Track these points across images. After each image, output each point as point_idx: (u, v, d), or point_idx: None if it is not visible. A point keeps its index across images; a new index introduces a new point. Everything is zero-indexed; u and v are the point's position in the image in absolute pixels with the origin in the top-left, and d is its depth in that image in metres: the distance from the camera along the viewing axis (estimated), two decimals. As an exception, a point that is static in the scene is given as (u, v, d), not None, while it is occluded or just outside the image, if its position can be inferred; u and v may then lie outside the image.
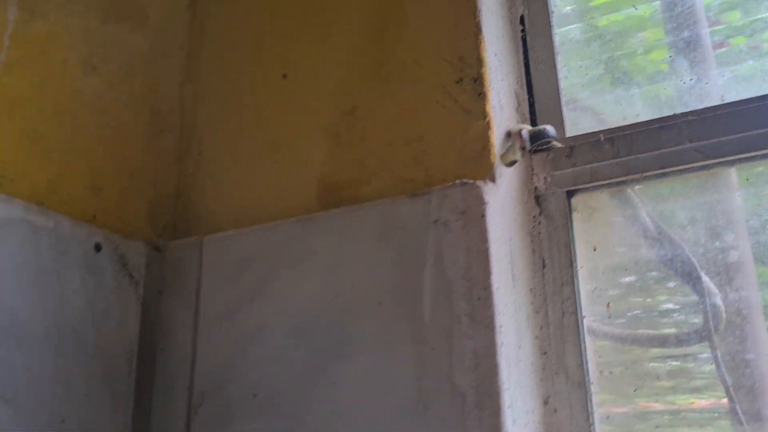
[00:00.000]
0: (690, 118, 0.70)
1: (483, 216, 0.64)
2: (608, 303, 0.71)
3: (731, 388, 0.65)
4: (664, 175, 0.71)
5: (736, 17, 0.76)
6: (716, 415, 0.66)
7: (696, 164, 0.69)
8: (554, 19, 0.83)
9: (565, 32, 0.83)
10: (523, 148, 0.64)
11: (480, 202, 0.65)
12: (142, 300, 0.78)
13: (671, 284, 0.70)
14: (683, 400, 0.67)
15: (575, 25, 0.83)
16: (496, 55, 0.75)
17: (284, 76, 0.84)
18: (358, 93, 0.78)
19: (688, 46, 0.77)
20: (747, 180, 0.70)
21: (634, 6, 0.80)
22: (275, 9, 0.88)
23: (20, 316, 0.65)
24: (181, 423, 0.73)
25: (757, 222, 0.68)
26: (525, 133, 0.63)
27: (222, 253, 0.77)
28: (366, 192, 0.74)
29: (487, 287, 0.62)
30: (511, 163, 0.69)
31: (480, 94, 0.71)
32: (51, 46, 0.76)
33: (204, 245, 0.79)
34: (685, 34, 0.77)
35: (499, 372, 0.59)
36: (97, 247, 0.74)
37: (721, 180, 0.71)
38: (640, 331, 0.70)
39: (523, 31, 0.83)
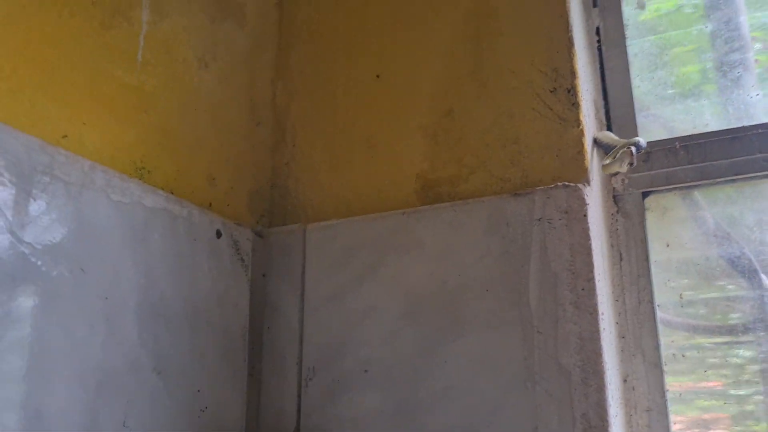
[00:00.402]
0: (760, 130, 0.79)
1: (585, 215, 0.72)
2: (681, 294, 0.80)
3: (791, 370, 0.74)
4: (734, 181, 0.80)
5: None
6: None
7: (765, 172, 0.78)
8: (628, 31, 0.91)
9: (638, 44, 0.90)
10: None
11: (582, 203, 0.73)
12: (250, 282, 0.86)
13: (735, 279, 0.79)
14: (745, 379, 0.76)
15: (647, 38, 0.91)
16: (583, 66, 0.83)
17: (378, 76, 0.91)
18: (454, 96, 0.85)
19: (754, 63, 0.85)
20: (806, 187, 0.79)
21: (705, 25, 0.88)
22: (366, 10, 0.94)
23: (166, 296, 0.72)
24: (293, 394, 0.81)
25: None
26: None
27: (327, 240, 0.85)
28: (465, 189, 0.81)
29: (590, 279, 0.70)
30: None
31: (574, 103, 0.79)
32: (174, 44, 0.82)
33: (307, 232, 0.86)
34: (750, 53, 0.85)
35: (602, 353, 0.68)
36: (218, 234, 0.81)
37: (783, 186, 0.80)
38: (708, 321, 0.79)
39: (599, 41, 0.91)
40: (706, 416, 0.77)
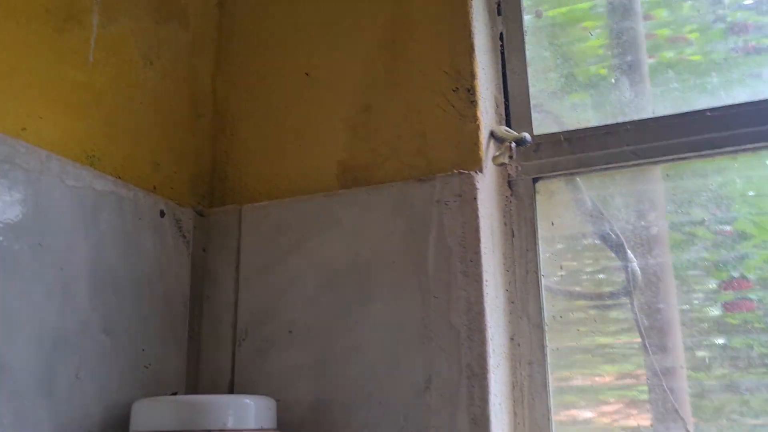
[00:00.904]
0: (628, 126, 0.93)
1: (475, 198, 0.85)
2: (561, 265, 0.94)
3: (644, 329, 0.89)
4: (607, 169, 0.94)
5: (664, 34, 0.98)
6: (634, 348, 0.90)
7: (630, 162, 0.92)
8: (527, 37, 1.03)
9: (535, 48, 1.03)
10: (510, 156, 0.85)
11: (473, 188, 0.86)
12: (191, 257, 0.97)
13: (606, 253, 0.93)
14: (612, 338, 0.91)
15: (543, 44, 1.03)
16: (483, 69, 0.95)
17: (307, 74, 1.02)
18: (371, 94, 0.97)
19: (630, 68, 0.99)
20: (667, 175, 0.93)
21: (590, 32, 1.02)
22: (298, 14, 1.05)
23: (115, 268, 0.83)
24: (228, 353, 0.93)
25: (671, 206, 0.91)
26: (513, 146, 0.84)
27: (260, 219, 0.96)
28: (379, 175, 0.94)
29: (477, 252, 0.84)
30: (501, 164, 0.90)
31: (472, 101, 0.91)
32: (122, 45, 0.92)
33: (243, 212, 0.98)
34: (628, 58, 0.99)
35: (485, 314, 0.82)
36: (161, 213, 0.92)
37: (648, 175, 0.94)
38: (583, 288, 0.93)
39: (501, 46, 1.04)
40: (581, 370, 0.91)
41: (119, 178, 0.87)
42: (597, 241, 0.94)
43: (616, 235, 0.92)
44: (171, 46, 1.01)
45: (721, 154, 0.89)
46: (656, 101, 0.96)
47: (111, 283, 0.82)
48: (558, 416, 0.89)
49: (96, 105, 0.87)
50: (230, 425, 0.74)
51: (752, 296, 0.86)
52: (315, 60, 1.02)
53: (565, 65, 1.02)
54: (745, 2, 0.95)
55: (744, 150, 0.88)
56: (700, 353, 0.86)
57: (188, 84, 1.03)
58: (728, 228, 0.88)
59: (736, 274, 0.87)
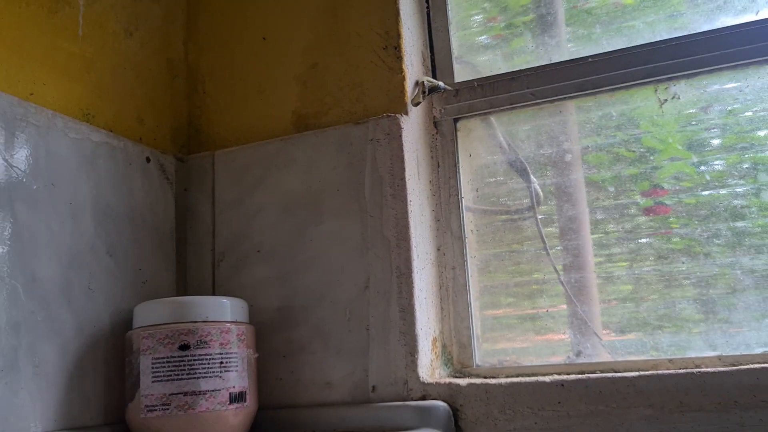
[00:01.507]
0: (528, 73, 1.13)
1: (400, 136, 1.06)
2: (477, 189, 1.15)
3: (545, 237, 1.11)
4: (512, 109, 1.14)
5: None
6: (538, 252, 1.12)
7: (530, 102, 1.12)
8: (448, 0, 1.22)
9: (456, 8, 1.22)
10: (423, 93, 1.05)
11: (399, 128, 1.06)
12: (174, 195, 1.17)
13: (512, 176, 1.14)
14: (518, 246, 1.13)
15: (464, 5, 1.23)
16: (409, 29, 1.15)
17: (264, 38, 1.21)
18: (318, 53, 1.17)
19: (533, 22, 1.18)
20: (579, 108, 1.13)
21: (499, -6, 1.21)
22: (253, -13, 1.24)
23: (112, 203, 1.03)
24: (209, 271, 1.14)
25: (582, 134, 1.12)
26: (426, 84, 1.04)
27: (229, 161, 1.17)
28: (325, 120, 1.14)
29: (402, 178, 1.04)
30: (417, 104, 1.10)
31: (398, 57, 1.11)
32: (105, 20, 1.10)
33: (216, 157, 1.18)
34: (531, 15, 1.18)
35: (409, 228, 1.03)
36: (147, 160, 1.12)
37: (548, 110, 1.14)
38: (495, 207, 1.15)
39: (428, 7, 1.22)
40: (492, 273, 1.13)
41: (111, 131, 1.07)
42: (505, 168, 1.15)
43: (521, 161, 1.13)
44: (147, 19, 1.19)
45: (601, 92, 1.09)
46: (552, 51, 1.15)
47: (110, 215, 1.03)
48: (480, 311, 1.12)
49: (87, 71, 1.06)
50: (211, 318, 0.96)
51: (668, 202, 1.06)
52: (269, 26, 1.21)
53: (482, 22, 1.21)
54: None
55: (619, 88, 1.09)
56: (614, 253, 1.08)
57: (164, 50, 1.22)
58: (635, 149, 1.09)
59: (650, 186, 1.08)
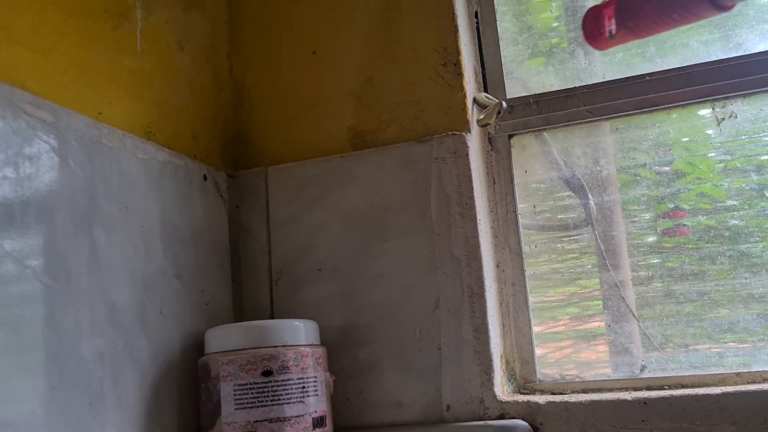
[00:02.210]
0: (584, 90, 1.14)
1: (467, 154, 1.06)
2: (534, 205, 1.16)
3: (603, 252, 1.12)
4: (567, 125, 1.15)
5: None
6: (596, 268, 1.13)
7: (586, 119, 1.14)
8: (498, 15, 1.23)
9: (505, 25, 1.23)
10: (498, 113, 1.06)
11: (465, 146, 1.06)
12: (228, 212, 1.15)
13: (569, 193, 1.16)
14: (577, 261, 1.14)
15: (512, 21, 1.23)
16: (465, 45, 1.15)
17: (314, 52, 1.20)
18: (372, 69, 1.16)
19: (582, 40, 1.19)
20: (616, 129, 1.15)
21: (550, 10, 1.22)
22: (298, 1, 1.22)
23: (177, 224, 1.01)
24: (266, 291, 1.13)
25: (619, 153, 1.14)
26: (503, 107, 1.05)
27: (284, 178, 1.15)
28: (383, 138, 1.13)
29: (471, 198, 1.05)
30: (486, 125, 1.10)
31: (458, 74, 1.11)
32: (159, 34, 1.07)
33: (269, 173, 1.16)
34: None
35: (480, 246, 1.03)
36: (204, 177, 1.10)
37: (600, 129, 1.16)
38: (551, 222, 1.16)
39: (477, 23, 1.23)
40: (552, 289, 1.14)
41: (171, 149, 1.04)
42: (561, 185, 1.16)
43: (577, 179, 1.15)
44: (195, 32, 1.16)
45: (659, 110, 1.11)
46: (605, 67, 1.17)
47: (176, 236, 1.00)
48: (537, 326, 1.13)
49: (147, 88, 1.03)
50: (288, 342, 0.94)
51: (687, 223, 1.09)
52: (319, 40, 1.20)
53: (531, 39, 1.22)
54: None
55: (676, 106, 1.11)
56: (643, 271, 1.10)
57: (210, 64, 1.19)
58: (667, 168, 1.11)
59: (672, 206, 1.10)
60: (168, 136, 1.05)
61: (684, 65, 1.10)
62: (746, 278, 1.04)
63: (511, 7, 1.24)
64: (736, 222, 1.06)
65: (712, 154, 1.09)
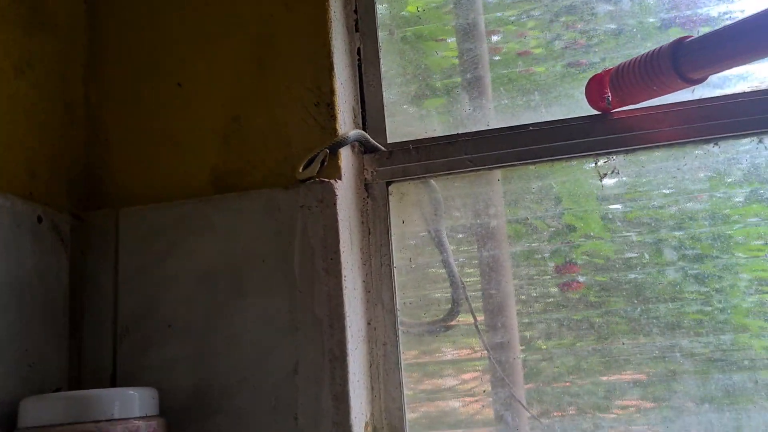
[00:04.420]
0: (466, 138, 1.08)
1: (335, 204, 0.97)
2: (410, 258, 1.08)
3: (474, 312, 1.05)
4: (448, 174, 1.09)
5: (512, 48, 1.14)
6: (470, 329, 1.06)
7: (468, 169, 1.07)
8: (381, 53, 1.15)
9: (388, 63, 1.16)
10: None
11: (333, 195, 0.97)
12: (69, 259, 1.02)
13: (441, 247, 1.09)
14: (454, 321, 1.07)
15: (395, 59, 1.16)
16: (342, 84, 1.07)
17: (179, 84, 1.09)
18: (241, 105, 1.06)
19: (470, 85, 1.14)
20: (505, 177, 1.09)
21: (436, 51, 1.16)
22: (170, 26, 1.11)
23: (-5, 275, 0.88)
24: (109, 349, 1.00)
25: (510, 201, 1.08)
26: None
27: (136, 221, 1.03)
28: (248, 181, 1.03)
29: (336, 251, 0.96)
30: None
31: (332, 116, 1.03)
32: (-8, 58, 0.95)
33: (120, 215, 1.04)
34: (468, 75, 1.14)
35: (344, 306, 0.94)
36: (39, 219, 0.97)
37: (486, 178, 1.09)
38: (429, 272, 1.08)
39: (359, 59, 1.15)
40: (425, 346, 1.06)
41: (-5, 187, 0.91)
42: (435, 237, 1.09)
43: (439, 237, 1.08)
44: (41, 56, 1.04)
45: (541, 162, 1.06)
46: (490, 114, 1.11)
47: (-8, 290, 0.87)
48: (408, 388, 1.04)
49: (-31, 118, 0.90)
50: (117, 415, 0.82)
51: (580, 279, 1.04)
52: (186, 71, 1.09)
53: (415, 80, 1.16)
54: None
55: (559, 159, 1.06)
56: (534, 328, 1.03)
57: (60, 92, 1.07)
58: (556, 222, 1.06)
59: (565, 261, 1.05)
60: (-7, 172, 0.92)
61: (567, 117, 1.06)
62: (623, 344, 0.99)
63: (395, 46, 1.18)
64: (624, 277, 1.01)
65: (596, 209, 1.05)
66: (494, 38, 1.15)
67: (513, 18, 1.14)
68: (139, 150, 1.08)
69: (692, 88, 1.00)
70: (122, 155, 1.09)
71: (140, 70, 1.11)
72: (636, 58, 0.98)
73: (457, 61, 1.16)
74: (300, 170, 0.98)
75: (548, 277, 1.04)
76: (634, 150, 1.03)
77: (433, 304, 1.07)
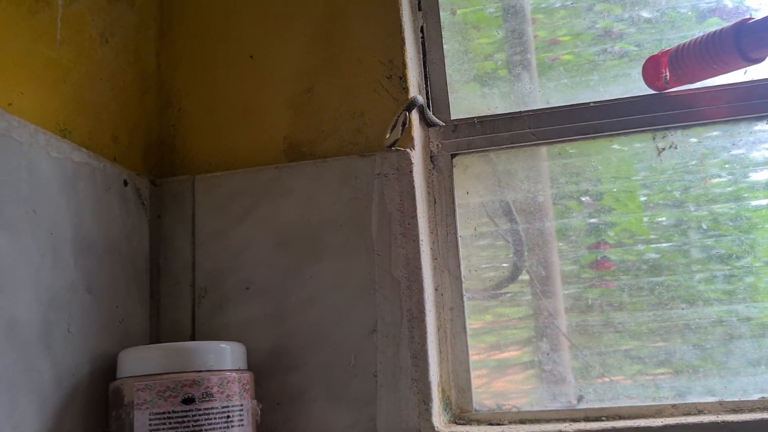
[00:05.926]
0: (529, 113, 1.12)
1: (411, 172, 1.01)
2: (475, 227, 1.13)
3: (534, 278, 1.10)
4: (511, 147, 1.13)
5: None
6: (528, 293, 1.10)
7: (530, 143, 1.12)
8: (444, 31, 1.19)
9: (451, 41, 1.20)
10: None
11: (409, 163, 1.01)
12: (149, 222, 1.05)
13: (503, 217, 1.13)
14: (513, 286, 1.11)
15: (457, 38, 1.20)
16: (411, 58, 1.11)
17: (251, 56, 1.13)
18: (313, 77, 1.10)
19: (530, 64, 1.18)
20: (558, 153, 1.13)
21: (497, 31, 1.20)
22: (238, 1, 1.15)
23: (92, 232, 0.91)
24: (188, 309, 1.03)
25: (555, 178, 1.12)
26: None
27: (213, 188, 1.06)
28: (321, 150, 1.07)
29: (414, 216, 1.00)
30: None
31: (404, 88, 1.06)
32: (82, 24, 0.98)
33: (196, 182, 1.07)
34: (528, 56, 1.18)
35: (421, 268, 0.98)
36: (125, 183, 1.00)
37: (540, 153, 1.14)
38: (491, 242, 1.13)
39: (423, 38, 1.19)
40: (489, 313, 1.10)
41: (88, 149, 0.94)
42: (502, 207, 1.13)
43: (507, 205, 1.12)
44: (121, 25, 1.07)
45: (601, 137, 1.10)
46: (550, 94, 1.16)
47: (89, 246, 0.90)
48: (473, 352, 1.08)
49: (64, 81, 0.93)
50: (215, 366, 0.86)
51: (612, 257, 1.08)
52: (257, 43, 1.13)
53: (476, 58, 1.20)
54: (617, 13, 1.17)
55: (618, 134, 1.10)
56: (579, 300, 1.08)
57: (136, 61, 1.10)
58: (595, 202, 1.10)
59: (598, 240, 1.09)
60: (85, 135, 0.95)
61: (625, 96, 1.10)
62: (683, 308, 1.04)
63: (457, 27, 1.21)
64: (655, 256, 1.06)
65: (657, 179, 1.09)
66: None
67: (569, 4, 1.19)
68: (212, 119, 1.12)
69: (745, 69, 1.05)
70: (195, 124, 1.12)
71: (211, 42, 1.14)
72: (695, 39, 1.03)
73: (516, 41, 1.20)
74: (387, 136, 1.01)
75: (605, 245, 1.09)
76: (691, 126, 1.08)
77: (495, 271, 1.11)
